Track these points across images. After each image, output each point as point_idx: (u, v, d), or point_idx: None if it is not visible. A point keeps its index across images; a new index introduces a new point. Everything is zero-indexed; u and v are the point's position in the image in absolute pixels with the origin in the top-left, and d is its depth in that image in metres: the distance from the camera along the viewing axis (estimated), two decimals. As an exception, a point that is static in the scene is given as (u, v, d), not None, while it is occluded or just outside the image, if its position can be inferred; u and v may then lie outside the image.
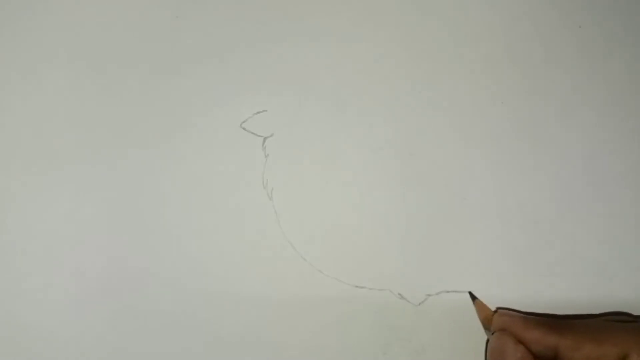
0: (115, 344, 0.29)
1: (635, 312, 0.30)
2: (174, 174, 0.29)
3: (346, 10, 0.30)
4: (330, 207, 0.29)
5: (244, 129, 0.29)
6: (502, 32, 0.30)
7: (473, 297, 0.29)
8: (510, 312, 0.27)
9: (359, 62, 0.29)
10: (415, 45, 0.30)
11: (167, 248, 0.29)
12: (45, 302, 0.29)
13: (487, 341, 0.27)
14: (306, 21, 0.30)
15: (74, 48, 0.29)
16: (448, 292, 0.29)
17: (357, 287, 0.29)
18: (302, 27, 0.30)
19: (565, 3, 0.30)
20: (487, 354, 0.26)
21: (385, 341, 0.29)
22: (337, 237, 0.29)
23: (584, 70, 0.30)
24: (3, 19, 0.29)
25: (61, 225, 0.29)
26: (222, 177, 0.29)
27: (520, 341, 0.25)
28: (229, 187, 0.29)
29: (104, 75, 0.29)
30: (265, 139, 0.29)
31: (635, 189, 0.30)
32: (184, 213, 0.29)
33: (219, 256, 0.29)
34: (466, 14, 0.30)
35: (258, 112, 0.29)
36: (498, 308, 0.27)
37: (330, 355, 0.29)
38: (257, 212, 0.29)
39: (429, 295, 0.29)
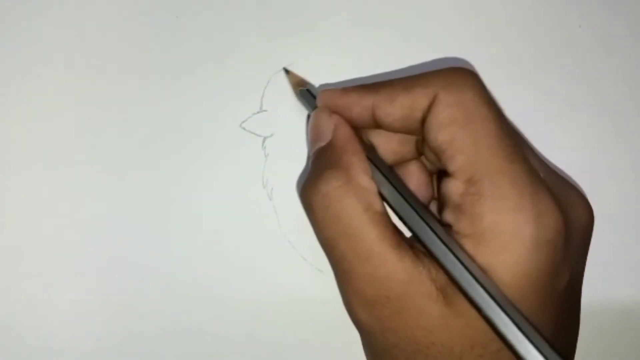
0: (115, 344, 0.29)
1: (635, 312, 0.30)
2: (174, 174, 0.29)
3: (346, 10, 0.30)
4: (330, 207, 0.29)
5: (244, 129, 0.29)
6: (501, 32, 0.30)
7: (287, 71, 0.28)
8: (333, 88, 0.25)
9: (359, 62, 0.29)
10: (415, 45, 0.30)
11: (167, 248, 0.29)
12: (45, 302, 0.29)
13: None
14: (306, 21, 0.30)
15: (74, 48, 0.29)
16: (448, 292, 0.29)
17: (357, 287, 0.29)
18: (302, 26, 0.30)
19: (565, 3, 0.30)
20: (307, 134, 0.25)
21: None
22: (337, 237, 0.29)
23: (584, 70, 0.30)
24: (2, 19, 0.29)
25: (61, 225, 0.29)
26: (222, 177, 0.29)
27: (337, 111, 0.24)
28: (229, 187, 0.29)
29: (104, 74, 0.29)
30: (265, 139, 0.29)
31: (635, 189, 0.30)
32: (184, 213, 0.29)
33: (219, 256, 0.29)
34: (465, 13, 0.30)
35: (258, 112, 0.29)
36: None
37: (330, 355, 0.29)
38: (257, 212, 0.29)
39: (429, 295, 0.29)
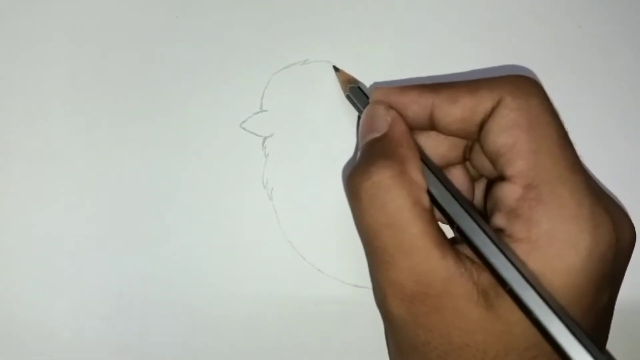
0: (115, 344, 0.29)
1: (635, 313, 0.30)
2: (174, 174, 0.29)
3: (347, 10, 0.30)
4: (330, 207, 0.29)
5: (244, 129, 0.29)
6: (501, 31, 0.30)
7: (336, 69, 0.28)
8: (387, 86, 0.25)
9: (359, 62, 0.29)
10: (414, 45, 0.30)
11: (167, 248, 0.29)
12: (45, 302, 0.29)
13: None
14: (307, 21, 0.30)
15: (74, 47, 0.29)
16: (448, 292, 0.29)
17: (357, 287, 0.29)
18: (302, 27, 0.30)
19: (565, 3, 0.30)
20: (359, 127, 0.25)
21: (385, 341, 0.29)
22: (337, 237, 0.29)
23: (584, 70, 0.30)
24: (2, 19, 0.29)
25: (60, 225, 0.29)
26: (222, 177, 0.29)
27: (394, 107, 0.24)
28: (229, 187, 0.29)
29: (104, 74, 0.29)
30: (265, 139, 0.29)
31: (636, 189, 0.30)
32: (184, 213, 0.29)
33: (219, 256, 0.29)
34: (465, 13, 0.30)
35: (258, 112, 0.29)
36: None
37: (330, 355, 0.29)
38: (257, 212, 0.29)
39: (429, 295, 0.29)
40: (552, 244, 0.20)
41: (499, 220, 0.21)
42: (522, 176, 0.21)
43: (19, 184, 0.29)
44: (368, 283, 0.29)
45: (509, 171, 0.21)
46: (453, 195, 0.22)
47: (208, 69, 0.29)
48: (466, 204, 0.22)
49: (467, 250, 0.22)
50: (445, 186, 0.22)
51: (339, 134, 0.29)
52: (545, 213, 0.20)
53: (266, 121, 0.29)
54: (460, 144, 0.25)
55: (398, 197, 0.21)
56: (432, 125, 0.24)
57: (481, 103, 0.22)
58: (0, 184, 0.29)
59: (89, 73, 0.29)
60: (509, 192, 0.21)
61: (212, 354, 0.29)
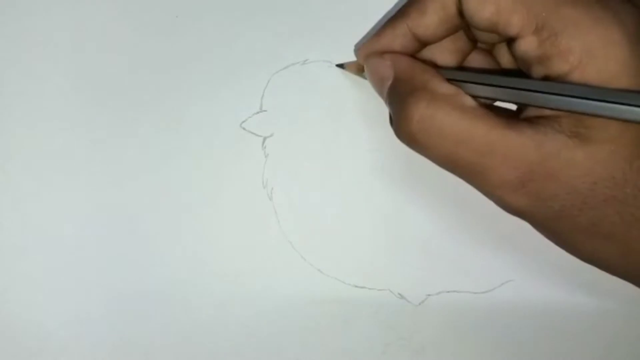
0: (115, 344, 0.29)
1: (635, 313, 0.30)
2: (174, 173, 0.29)
3: (347, 10, 0.30)
4: (330, 207, 0.29)
5: (244, 129, 0.29)
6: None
7: (342, 66, 0.29)
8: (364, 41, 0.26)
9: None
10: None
11: (167, 248, 0.29)
12: (45, 302, 0.29)
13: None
14: (307, 21, 0.30)
15: (74, 47, 0.29)
16: (448, 292, 0.29)
17: (357, 287, 0.29)
18: (302, 26, 0.30)
19: None
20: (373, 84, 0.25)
21: (385, 341, 0.29)
22: (337, 237, 0.29)
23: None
24: (2, 19, 0.29)
25: (61, 225, 0.29)
26: (222, 178, 0.29)
27: (383, 51, 0.25)
28: (229, 187, 0.29)
29: (104, 74, 0.29)
30: (265, 139, 0.29)
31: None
32: (184, 213, 0.29)
33: (219, 256, 0.29)
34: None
35: (258, 112, 0.29)
36: None
37: (330, 355, 0.29)
38: (257, 212, 0.29)
39: (429, 295, 0.29)
40: (594, 53, 0.20)
41: (538, 72, 0.21)
42: (525, 28, 0.21)
43: (19, 184, 0.29)
44: (368, 283, 0.29)
45: (513, 31, 0.21)
46: (489, 79, 0.22)
47: (208, 69, 0.29)
48: (503, 79, 0.22)
49: (533, 112, 0.22)
50: (476, 79, 0.22)
51: (339, 134, 0.29)
52: (569, 39, 0.20)
53: (266, 121, 0.29)
54: (461, 36, 0.25)
55: (447, 115, 0.21)
56: (422, 43, 0.24)
57: None
58: (0, 184, 0.29)
59: (89, 73, 0.29)
60: (526, 47, 0.21)
61: (212, 354, 0.29)
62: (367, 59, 0.25)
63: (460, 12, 0.23)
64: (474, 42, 0.26)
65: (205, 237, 0.29)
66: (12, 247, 0.29)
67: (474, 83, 0.22)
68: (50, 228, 0.29)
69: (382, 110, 0.29)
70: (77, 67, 0.29)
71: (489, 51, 0.26)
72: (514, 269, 0.29)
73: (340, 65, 0.29)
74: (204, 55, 0.29)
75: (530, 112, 0.22)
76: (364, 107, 0.29)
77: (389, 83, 0.24)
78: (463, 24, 0.23)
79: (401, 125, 0.22)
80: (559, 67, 0.20)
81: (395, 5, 0.29)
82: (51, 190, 0.29)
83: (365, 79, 0.27)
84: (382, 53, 0.24)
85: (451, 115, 0.21)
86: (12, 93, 0.29)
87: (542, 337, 0.30)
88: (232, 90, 0.29)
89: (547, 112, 0.21)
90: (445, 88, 0.22)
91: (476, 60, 0.26)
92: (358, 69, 0.28)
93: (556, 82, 0.20)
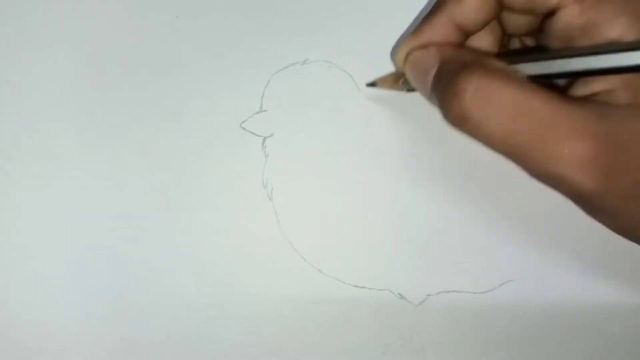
0: (115, 344, 0.29)
1: (635, 313, 0.30)
2: (174, 174, 0.29)
3: (347, 10, 0.30)
4: (330, 207, 0.29)
5: (244, 129, 0.29)
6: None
7: (373, 84, 0.28)
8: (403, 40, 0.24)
9: (359, 62, 0.29)
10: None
11: (167, 248, 0.29)
12: (45, 302, 0.29)
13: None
14: (307, 21, 0.30)
15: (74, 47, 0.29)
16: (448, 292, 0.29)
17: (357, 287, 0.29)
18: (302, 26, 0.30)
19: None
20: (417, 87, 0.24)
21: (385, 341, 0.29)
22: (337, 237, 0.29)
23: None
24: (2, 19, 0.29)
25: (61, 225, 0.29)
26: (222, 178, 0.29)
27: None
28: (229, 187, 0.29)
29: (104, 74, 0.29)
30: (265, 139, 0.29)
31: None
32: (184, 213, 0.29)
33: (219, 256, 0.29)
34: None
35: (258, 112, 0.29)
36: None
37: (330, 355, 0.29)
38: (257, 212, 0.29)
39: (429, 295, 0.29)
40: None
41: (584, 45, 0.21)
42: None
43: (19, 184, 0.29)
44: (368, 283, 0.29)
45: (552, 2, 0.20)
46: (538, 56, 0.21)
47: (208, 69, 0.29)
48: (556, 53, 0.21)
49: (584, 90, 0.21)
50: (525, 58, 0.21)
51: (339, 134, 0.29)
52: (612, 2, 0.19)
53: (266, 121, 0.29)
54: (494, 28, 0.24)
55: (504, 86, 0.19)
56: (463, 34, 0.23)
57: None
58: (0, 184, 0.29)
59: (89, 73, 0.29)
60: (569, 17, 0.20)
61: (212, 354, 0.29)
62: (409, 55, 0.24)
63: None
64: (505, 34, 0.25)
65: (205, 237, 0.29)
66: (13, 247, 0.29)
67: (520, 62, 0.21)
68: (50, 228, 0.29)
69: (383, 110, 0.29)
70: (77, 67, 0.29)
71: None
72: (514, 269, 0.29)
73: (372, 84, 0.28)
74: (204, 55, 0.29)
75: (580, 89, 0.21)
76: (364, 107, 0.29)
77: (434, 71, 0.22)
78: (500, 9, 0.23)
79: (452, 103, 0.20)
80: (607, 33, 0.19)
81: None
82: (51, 190, 0.29)
83: (402, 89, 0.26)
84: (425, 46, 0.23)
85: (508, 86, 0.19)
86: (12, 93, 0.29)
87: (542, 337, 0.30)
88: (232, 90, 0.29)
89: (599, 86, 0.20)
90: (497, 63, 0.21)
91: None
92: (393, 81, 0.26)
93: (605, 44, 0.19)
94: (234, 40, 0.29)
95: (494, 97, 0.19)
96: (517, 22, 0.24)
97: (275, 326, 0.29)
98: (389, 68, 0.29)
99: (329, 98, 0.29)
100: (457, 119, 0.20)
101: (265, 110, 0.29)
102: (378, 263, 0.29)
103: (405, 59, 0.24)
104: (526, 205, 0.29)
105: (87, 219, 0.29)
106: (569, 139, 0.19)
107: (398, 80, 0.26)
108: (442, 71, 0.22)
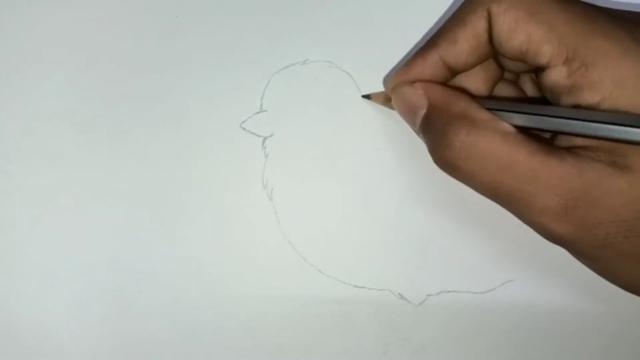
0: (115, 344, 0.29)
1: (635, 313, 0.30)
2: (174, 174, 0.29)
3: (347, 10, 0.30)
4: (330, 207, 0.29)
5: (243, 129, 0.29)
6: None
7: (368, 97, 0.28)
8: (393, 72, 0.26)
9: (359, 62, 0.29)
10: (414, 43, 0.30)
11: (167, 248, 0.29)
12: (45, 302, 0.29)
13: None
14: (307, 21, 0.30)
15: (74, 47, 0.29)
16: (448, 292, 0.29)
17: (357, 287, 0.29)
18: (302, 26, 0.30)
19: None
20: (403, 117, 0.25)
21: (385, 341, 0.29)
22: (337, 237, 0.29)
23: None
24: (2, 19, 0.29)
25: (60, 225, 0.29)
26: (222, 177, 0.29)
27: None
28: (229, 187, 0.29)
29: (103, 74, 0.29)
30: (265, 139, 0.29)
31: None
32: (184, 213, 0.29)
33: (219, 256, 0.29)
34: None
35: (258, 112, 0.29)
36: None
37: (330, 355, 0.29)
38: (257, 212, 0.29)
39: (429, 295, 0.29)
40: (626, 83, 0.20)
41: (567, 103, 0.21)
42: (555, 57, 0.21)
43: (19, 184, 0.29)
44: (368, 283, 0.29)
45: (542, 60, 0.21)
46: (522, 107, 0.22)
47: (208, 69, 0.29)
48: (539, 106, 0.22)
49: (566, 142, 0.22)
50: (509, 107, 0.22)
51: (339, 134, 0.29)
52: (599, 69, 0.20)
53: (266, 121, 0.29)
54: (487, 66, 0.25)
55: (489, 142, 0.21)
56: (453, 72, 0.24)
57: (476, 26, 0.22)
58: (0, 184, 0.29)
59: (89, 73, 0.29)
60: (556, 77, 0.21)
61: (212, 354, 0.29)
62: (396, 88, 0.25)
63: (491, 40, 0.23)
64: (502, 70, 0.25)
65: (205, 237, 0.29)
66: (13, 247, 0.29)
67: (507, 111, 0.22)
68: (50, 228, 0.29)
69: (382, 110, 0.29)
70: (76, 67, 0.29)
71: (514, 81, 0.26)
72: (514, 269, 0.29)
73: (367, 96, 0.29)
74: (204, 55, 0.29)
75: (563, 141, 0.22)
76: (364, 107, 0.29)
77: (422, 112, 0.24)
78: (494, 52, 0.23)
79: (442, 154, 0.22)
80: (589, 97, 0.20)
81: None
82: (51, 190, 0.29)
83: (392, 109, 0.26)
84: (413, 82, 0.24)
85: (493, 141, 0.21)
86: (12, 93, 0.29)
87: (542, 337, 0.30)
88: (232, 90, 0.29)
89: (580, 141, 0.21)
90: (484, 114, 0.22)
91: (501, 89, 0.26)
92: (385, 99, 0.27)
93: (589, 110, 0.20)
94: (234, 40, 0.29)
95: (480, 152, 0.21)
96: (514, 64, 0.24)
97: (275, 326, 0.29)
98: (388, 68, 0.29)
99: (329, 98, 0.29)
100: (446, 168, 0.22)
101: (265, 110, 0.29)
102: (378, 263, 0.29)
103: (394, 89, 0.25)
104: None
105: (87, 218, 0.29)
106: (546, 193, 0.21)
107: (389, 101, 0.27)
108: (431, 117, 0.23)
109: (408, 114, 0.25)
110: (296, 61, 0.29)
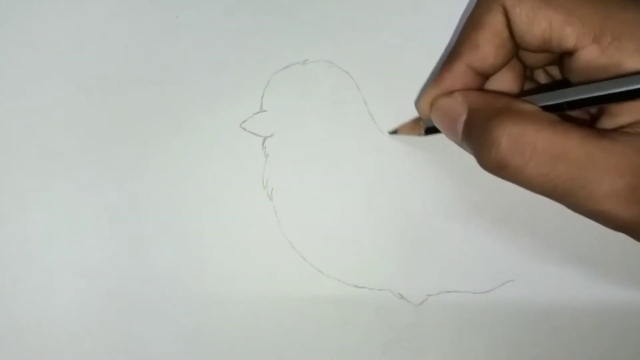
0: (115, 344, 0.29)
1: (635, 313, 0.30)
2: (174, 174, 0.29)
3: (347, 10, 0.30)
4: (330, 207, 0.29)
5: (244, 129, 0.29)
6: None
7: (395, 132, 0.28)
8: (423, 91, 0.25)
9: (359, 62, 0.29)
10: (414, 43, 0.30)
11: (167, 248, 0.29)
12: (45, 302, 0.29)
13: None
14: (307, 20, 0.30)
15: (74, 47, 0.29)
16: (448, 292, 0.29)
17: (357, 287, 0.29)
18: (302, 26, 0.30)
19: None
20: (445, 132, 0.24)
21: (385, 341, 0.29)
22: (337, 237, 0.29)
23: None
24: (2, 19, 0.29)
25: (61, 225, 0.29)
26: (222, 178, 0.29)
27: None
28: (229, 187, 0.29)
29: (104, 74, 0.29)
30: (265, 139, 0.29)
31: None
32: (184, 213, 0.29)
33: (219, 256, 0.29)
34: (466, 13, 0.30)
35: (258, 112, 0.29)
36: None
37: (330, 355, 0.29)
38: (257, 212, 0.29)
39: (429, 295, 0.29)
40: None
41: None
42: (583, 37, 0.20)
43: (19, 184, 0.29)
44: (368, 283, 0.29)
45: (569, 44, 0.21)
46: (561, 93, 0.21)
47: (208, 69, 0.29)
48: (580, 89, 0.21)
49: (608, 124, 0.21)
50: (553, 95, 0.22)
51: (339, 134, 0.29)
52: (632, 37, 0.20)
53: (266, 121, 0.29)
54: (513, 65, 0.25)
55: (537, 131, 0.20)
56: (485, 76, 0.24)
57: (495, 26, 0.22)
58: (0, 184, 0.29)
59: (88, 73, 0.29)
60: (588, 57, 0.21)
61: (211, 354, 0.29)
62: (433, 103, 0.24)
63: (513, 35, 0.22)
64: (526, 68, 0.25)
65: (205, 237, 0.29)
66: (13, 247, 0.29)
67: (549, 100, 0.21)
68: (50, 228, 0.29)
69: (382, 110, 0.29)
70: (77, 67, 0.29)
71: (529, 77, 0.26)
72: (514, 269, 0.29)
73: (394, 132, 0.28)
74: (204, 55, 0.29)
75: (607, 124, 0.21)
76: (364, 107, 0.29)
77: (463, 118, 0.23)
78: (517, 50, 0.23)
79: (488, 154, 0.21)
80: (631, 66, 0.20)
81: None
82: (51, 190, 0.29)
83: (423, 134, 0.26)
84: (449, 93, 0.24)
85: (542, 130, 0.20)
86: (12, 93, 0.29)
87: (542, 337, 0.30)
88: (232, 90, 0.29)
89: (626, 119, 0.20)
90: (527, 107, 0.21)
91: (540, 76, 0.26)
92: (413, 128, 0.27)
93: (630, 76, 0.20)
94: (234, 40, 0.29)
95: (529, 143, 0.20)
96: (535, 58, 0.24)
97: (275, 326, 0.29)
98: (388, 68, 0.29)
99: (329, 98, 0.29)
100: (495, 167, 0.21)
101: (265, 110, 0.29)
102: (378, 263, 0.29)
103: (431, 106, 0.24)
104: (526, 205, 0.29)
105: (87, 218, 0.29)
106: (608, 176, 0.19)
107: (418, 125, 0.26)
108: (473, 119, 0.22)
109: (450, 124, 0.23)
110: (296, 61, 0.29)
